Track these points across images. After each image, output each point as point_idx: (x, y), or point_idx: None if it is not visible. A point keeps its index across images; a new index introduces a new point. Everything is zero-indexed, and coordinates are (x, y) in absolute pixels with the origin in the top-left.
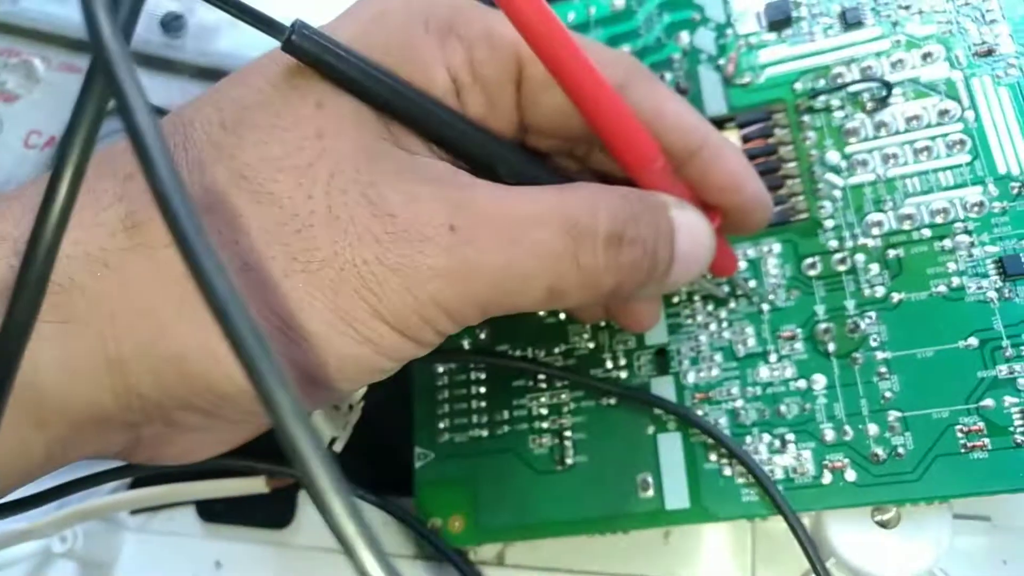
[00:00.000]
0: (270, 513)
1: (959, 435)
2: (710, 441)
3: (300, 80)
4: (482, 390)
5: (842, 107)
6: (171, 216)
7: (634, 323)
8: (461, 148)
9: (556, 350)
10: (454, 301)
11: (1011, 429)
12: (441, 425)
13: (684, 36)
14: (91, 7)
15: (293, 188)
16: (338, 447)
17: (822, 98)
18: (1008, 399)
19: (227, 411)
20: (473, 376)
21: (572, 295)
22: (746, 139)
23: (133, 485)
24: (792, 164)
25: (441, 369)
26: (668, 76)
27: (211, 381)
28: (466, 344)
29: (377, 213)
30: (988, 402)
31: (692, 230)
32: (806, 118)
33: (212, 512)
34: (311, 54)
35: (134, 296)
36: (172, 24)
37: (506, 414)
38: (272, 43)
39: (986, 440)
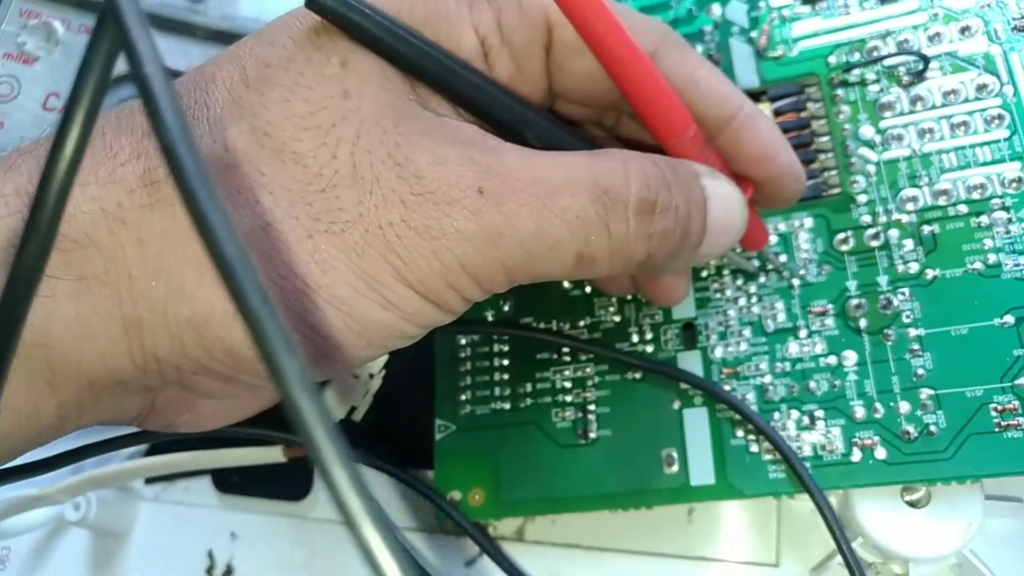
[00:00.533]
0: (287, 485)
1: (993, 414)
2: (737, 417)
3: (325, 38)
4: (505, 362)
5: (877, 81)
6: (177, 168)
7: (662, 297)
8: (488, 112)
9: (581, 323)
10: (481, 266)
11: None
12: (463, 397)
13: (716, 8)
14: None
15: (317, 147)
16: (357, 416)
17: (856, 72)
18: None
19: (245, 376)
20: (496, 348)
21: (602, 263)
22: (778, 113)
23: (148, 453)
24: (825, 138)
25: (463, 341)
26: (699, 48)
27: (230, 345)
28: (489, 316)
29: (403, 175)
30: (1023, 381)
31: (725, 200)
32: (840, 92)
33: (228, 483)
34: (335, 11)
35: (152, 255)
36: None
37: (529, 387)
38: (296, 4)
39: (1021, 419)
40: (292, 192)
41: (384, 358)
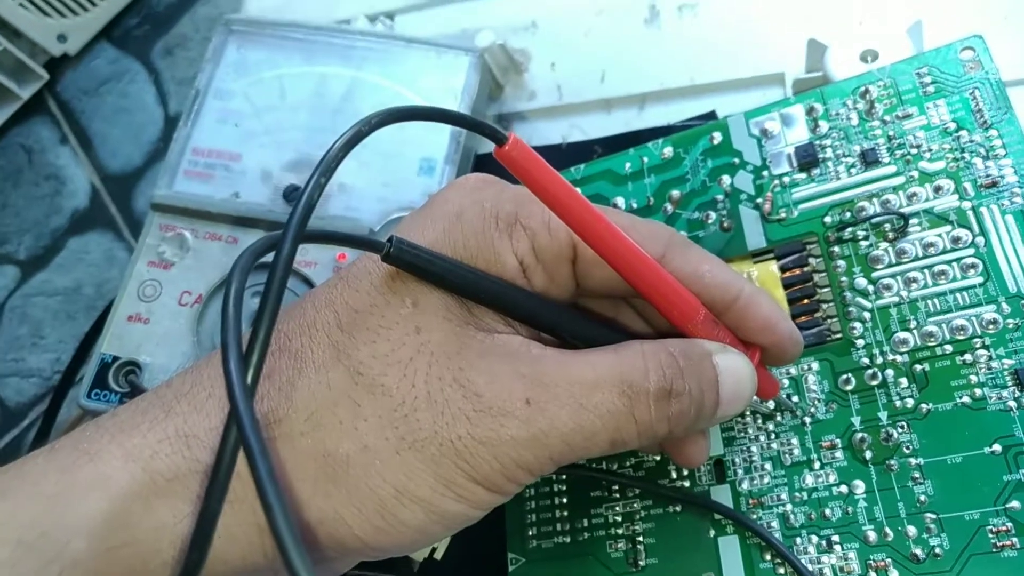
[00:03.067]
0: None
1: (990, 535)
2: (764, 543)
3: (399, 283)
4: (564, 500)
5: (867, 237)
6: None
7: (685, 461)
8: (530, 318)
9: (627, 463)
10: (532, 461)
11: None
12: (530, 532)
13: (726, 179)
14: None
15: (400, 379)
16: (438, 555)
17: (849, 230)
18: None
19: (348, 556)
20: (555, 488)
21: (631, 443)
22: (784, 269)
23: None
24: (825, 290)
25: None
26: (713, 215)
27: (340, 539)
28: None
29: (467, 394)
30: (1015, 504)
31: (735, 372)
32: (836, 248)
33: None
34: (406, 263)
35: (278, 476)
36: (292, 195)
37: (585, 522)
38: None
39: (1015, 539)
40: (383, 418)
41: None
